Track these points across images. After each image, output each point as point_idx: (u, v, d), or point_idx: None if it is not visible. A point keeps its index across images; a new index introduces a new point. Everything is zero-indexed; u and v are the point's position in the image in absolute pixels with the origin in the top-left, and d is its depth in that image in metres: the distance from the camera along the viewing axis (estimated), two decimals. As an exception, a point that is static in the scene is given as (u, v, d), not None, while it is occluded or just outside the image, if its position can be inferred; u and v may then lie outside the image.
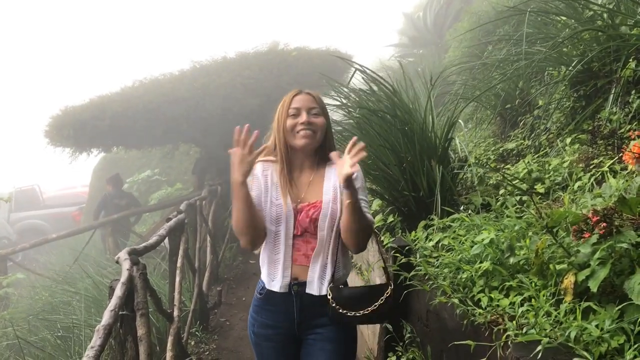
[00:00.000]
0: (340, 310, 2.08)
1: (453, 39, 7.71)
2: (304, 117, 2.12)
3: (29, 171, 25.77)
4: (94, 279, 5.71)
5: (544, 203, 2.80)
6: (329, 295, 2.10)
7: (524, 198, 2.93)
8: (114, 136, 8.38)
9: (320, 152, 2.21)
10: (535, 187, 3.09)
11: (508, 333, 1.76)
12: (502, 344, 1.76)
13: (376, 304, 2.09)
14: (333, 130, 4.05)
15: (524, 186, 3.07)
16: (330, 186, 2.15)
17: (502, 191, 3.23)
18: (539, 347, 1.55)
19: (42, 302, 6.26)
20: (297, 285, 2.13)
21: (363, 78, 3.91)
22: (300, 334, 2.18)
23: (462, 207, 3.16)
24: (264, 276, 2.21)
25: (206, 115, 7.75)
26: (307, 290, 2.12)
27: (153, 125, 7.94)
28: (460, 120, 3.69)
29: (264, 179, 2.18)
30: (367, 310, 2.09)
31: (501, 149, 4.34)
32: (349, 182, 1.91)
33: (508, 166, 3.85)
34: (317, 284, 2.12)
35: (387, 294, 2.12)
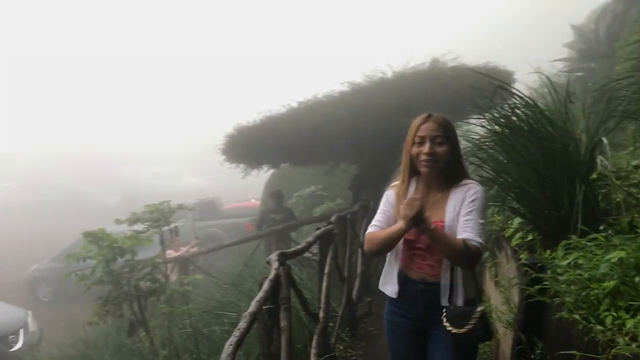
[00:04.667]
0: (447, 326, 2.28)
1: (621, 49, 7.23)
2: (426, 147, 2.31)
3: (211, 184, 28.47)
4: (258, 282, 6.32)
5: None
6: (444, 313, 2.31)
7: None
8: (280, 154, 9.14)
9: (448, 173, 2.38)
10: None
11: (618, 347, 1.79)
12: (610, 357, 1.80)
13: (468, 326, 2.25)
14: (475, 144, 4.13)
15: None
16: (452, 207, 2.33)
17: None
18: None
19: (214, 300, 7.07)
20: (423, 285, 2.38)
21: (514, 97, 3.92)
22: (426, 327, 2.41)
23: (601, 227, 3.08)
24: (381, 278, 2.49)
25: (362, 134, 8.13)
26: (442, 303, 2.33)
27: (315, 144, 8.51)
28: (604, 139, 3.55)
29: (387, 200, 2.49)
30: (461, 330, 2.26)
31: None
32: (411, 222, 2.17)
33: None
34: (453, 296, 2.33)
35: (475, 317, 2.26)
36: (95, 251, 6.08)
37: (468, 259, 2.23)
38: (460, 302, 2.31)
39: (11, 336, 8.43)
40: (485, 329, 2.31)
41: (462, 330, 2.24)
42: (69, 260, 5.95)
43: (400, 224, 2.27)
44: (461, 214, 2.28)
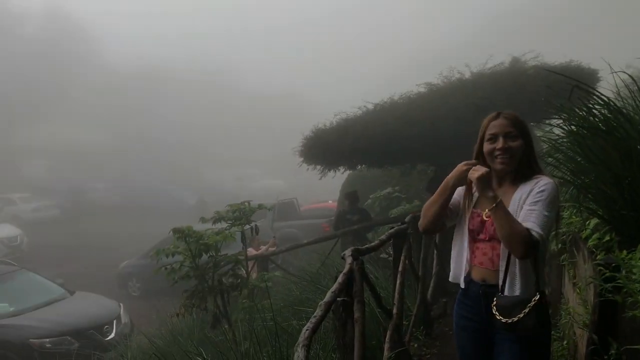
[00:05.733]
0: (497, 316, 2.27)
1: None
2: (500, 143, 2.33)
3: (289, 186, 29.02)
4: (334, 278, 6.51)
5: None
6: (494, 301, 2.31)
7: None
8: (356, 155, 9.29)
9: (521, 168, 2.39)
10: None
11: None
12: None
13: (519, 315, 2.22)
14: (552, 145, 4.10)
15: None
16: (517, 198, 2.33)
17: None
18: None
19: (293, 296, 7.31)
20: (485, 287, 2.40)
21: (592, 96, 3.85)
22: (491, 329, 2.42)
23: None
24: (451, 271, 2.56)
25: (439, 135, 8.10)
26: (505, 293, 2.32)
27: (391, 146, 8.58)
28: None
29: (458, 194, 2.53)
30: (514, 319, 2.23)
31: None
32: (478, 188, 2.27)
33: None
34: (509, 291, 2.32)
35: (529, 305, 2.22)
36: (183, 247, 6.48)
37: (524, 246, 2.18)
38: (517, 293, 2.31)
39: (106, 326, 9.08)
40: (538, 319, 2.23)
41: (510, 320, 2.23)
42: (159, 254, 6.37)
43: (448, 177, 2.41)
44: (526, 203, 2.27)
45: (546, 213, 2.24)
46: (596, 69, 8.90)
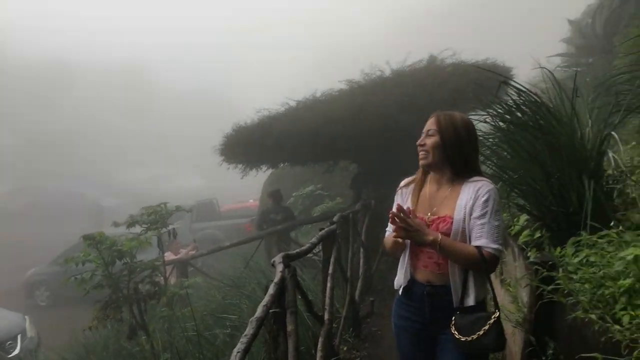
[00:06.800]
0: (456, 335, 2.22)
1: (621, 44, 7.19)
2: (420, 139, 2.38)
3: (209, 185, 28.40)
4: (260, 283, 6.26)
5: None
6: (452, 320, 2.25)
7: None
8: (279, 153, 9.06)
9: (455, 167, 2.34)
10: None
11: (640, 349, 1.73)
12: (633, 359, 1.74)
13: (479, 332, 2.17)
14: (482, 141, 4.06)
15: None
16: (462, 205, 2.27)
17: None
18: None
19: (215, 303, 7.00)
20: (430, 287, 2.33)
21: (514, 91, 3.87)
22: (434, 330, 2.36)
23: (612, 223, 3.02)
24: (397, 276, 2.49)
25: (361, 133, 8.03)
26: (454, 305, 2.27)
27: (314, 143, 8.43)
28: (614, 133, 3.49)
29: (401, 198, 2.48)
30: (473, 337, 2.18)
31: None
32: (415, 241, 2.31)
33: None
34: (459, 298, 2.27)
35: (490, 322, 2.19)
36: (95, 254, 5.99)
37: (485, 266, 2.21)
38: (471, 302, 2.25)
39: (9, 342, 8.32)
40: (497, 337, 2.19)
41: (469, 338, 2.18)
42: (68, 263, 5.85)
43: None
44: (473, 215, 2.23)
45: (496, 223, 2.24)
46: (510, 66, 9.20)
